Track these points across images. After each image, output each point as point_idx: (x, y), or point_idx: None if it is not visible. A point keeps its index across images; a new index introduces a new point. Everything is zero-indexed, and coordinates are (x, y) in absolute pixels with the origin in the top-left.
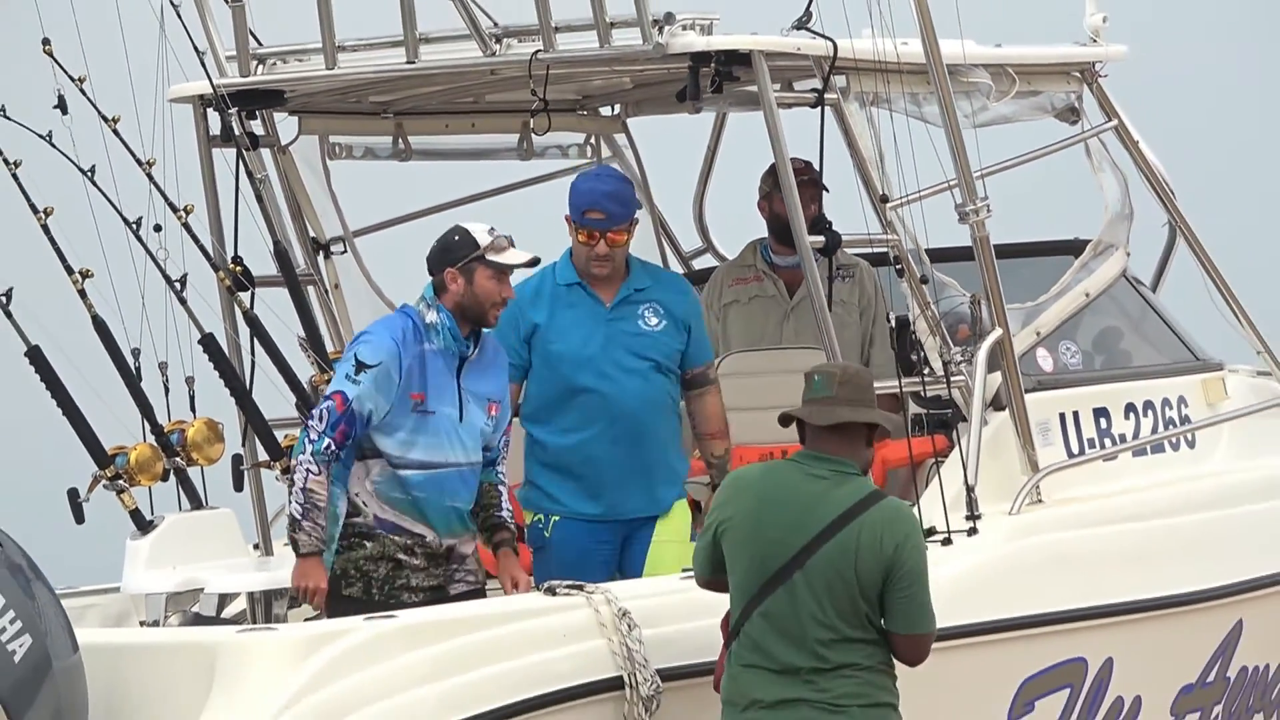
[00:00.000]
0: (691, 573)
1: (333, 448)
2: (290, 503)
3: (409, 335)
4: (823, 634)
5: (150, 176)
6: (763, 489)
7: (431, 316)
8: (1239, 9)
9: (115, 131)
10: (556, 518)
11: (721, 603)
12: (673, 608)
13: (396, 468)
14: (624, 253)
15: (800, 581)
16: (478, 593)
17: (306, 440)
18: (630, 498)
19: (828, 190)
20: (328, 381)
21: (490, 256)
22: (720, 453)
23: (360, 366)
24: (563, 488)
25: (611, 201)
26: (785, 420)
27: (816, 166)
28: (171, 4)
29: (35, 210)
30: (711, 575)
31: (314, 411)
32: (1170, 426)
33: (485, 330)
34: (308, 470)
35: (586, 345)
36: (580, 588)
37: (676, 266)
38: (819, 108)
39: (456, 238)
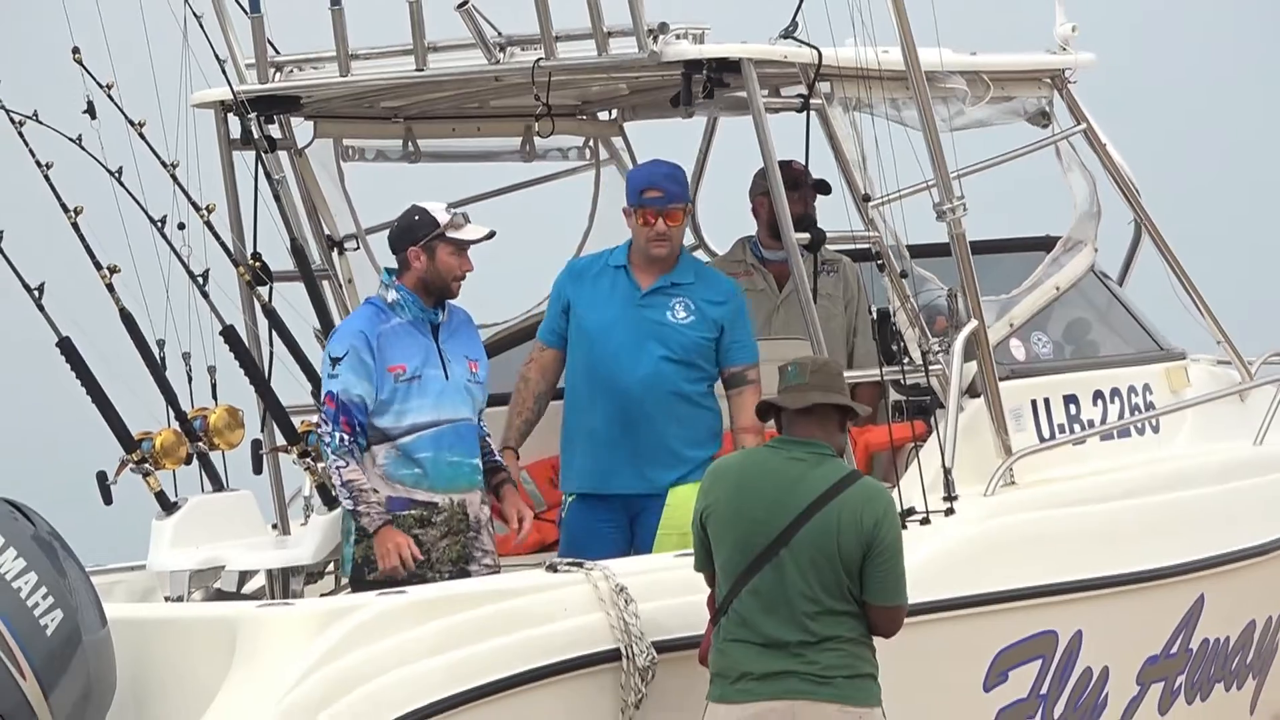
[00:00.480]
0: (687, 553)
1: (345, 439)
2: (343, 504)
3: (373, 319)
4: (809, 608)
5: (174, 177)
6: (742, 474)
7: (391, 295)
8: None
9: (141, 135)
10: (572, 497)
11: None
12: (668, 583)
13: (397, 440)
14: (680, 233)
15: (786, 558)
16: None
17: (324, 446)
18: (619, 474)
19: (828, 193)
20: None
21: (450, 234)
22: (749, 446)
23: (334, 361)
24: (571, 464)
25: (669, 181)
26: (763, 410)
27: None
28: (194, 15)
29: (66, 209)
30: (708, 565)
31: (317, 421)
32: (1136, 413)
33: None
34: (337, 468)
35: (610, 324)
36: (579, 564)
37: None
38: (805, 112)
39: (417, 217)
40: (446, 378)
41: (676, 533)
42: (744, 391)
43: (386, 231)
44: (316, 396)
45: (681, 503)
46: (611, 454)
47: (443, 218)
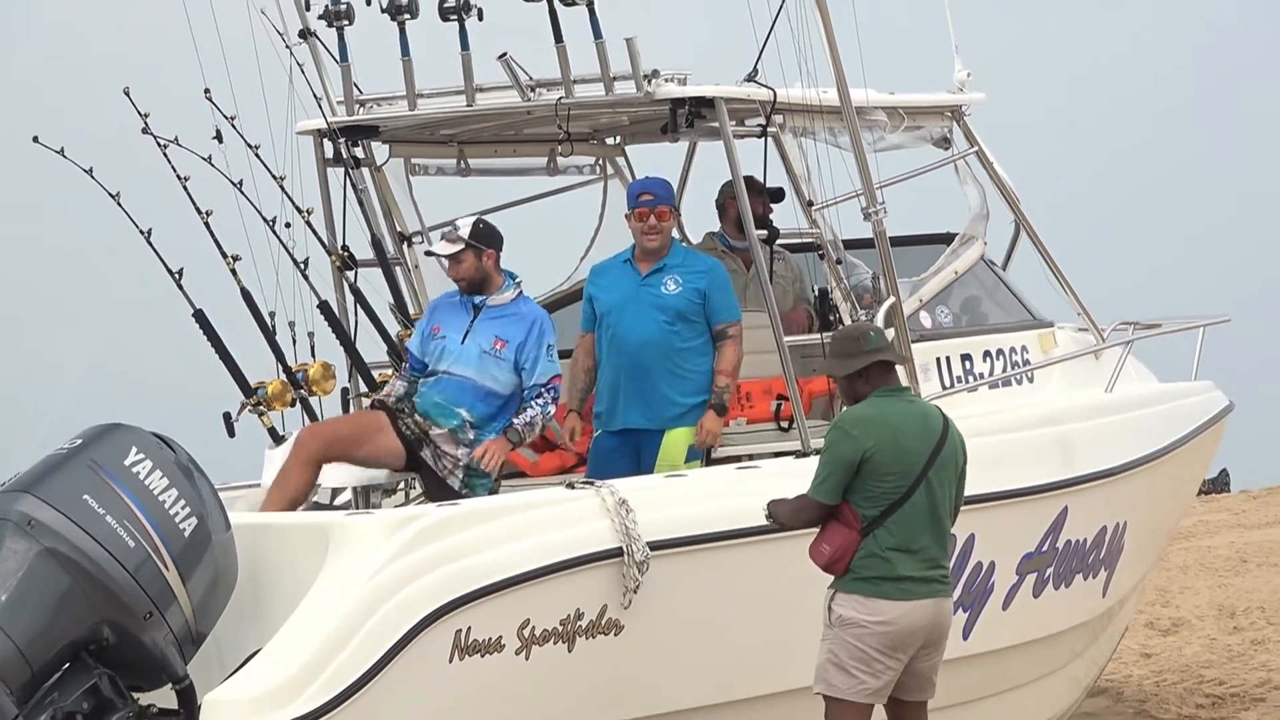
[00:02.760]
0: (676, 474)
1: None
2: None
3: (445, 297)
4: (947, 523)
5: (282, 188)
6: (891, 418)
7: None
8: (1073, 70)
9: (257, 155)
10: (598, 432)
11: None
12: (659, 499)
13: (426, 376)
14: (669, 228)
15: (933, 478)
16: (442, 483)
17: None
18: (629, 412)
19: (781, 200)
20: (410, 336)
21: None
22: (719, 385)
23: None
24: (598, 406)
25: (657, 188)
26: (867, 371)
27: (779, 187)
28: (298, 63)
29: (200, 212)
30: (839, 496)
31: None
32: (1016, 368)
33: (520, 297)
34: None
35: (620, 302)
36: (591, 483)
37: None
38: (763, 138)
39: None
40: (462, 343)
41: (669, 465)
42: (724, 344)
43: (443, 227)
44: (393, 355)
45: (673, 442)
46: (624, 397)
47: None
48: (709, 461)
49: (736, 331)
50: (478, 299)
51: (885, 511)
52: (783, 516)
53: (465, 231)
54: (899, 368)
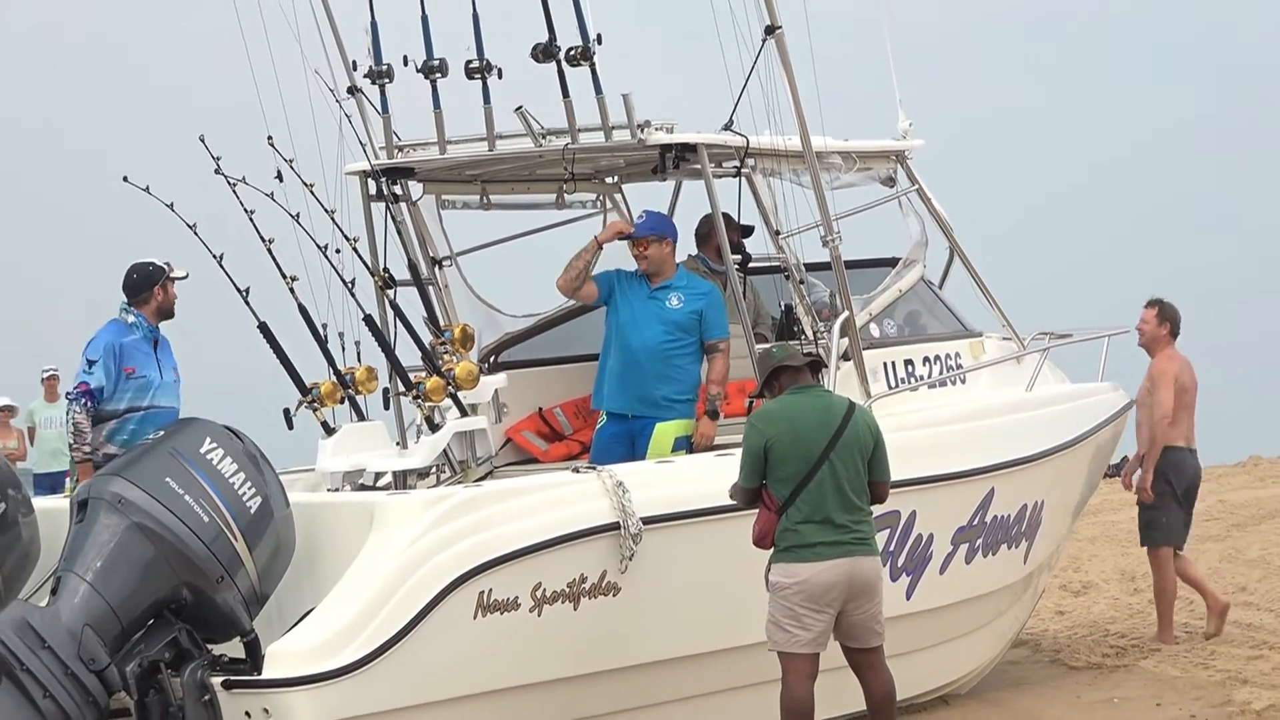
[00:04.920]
0: (665, 460)
1: (89, 405)
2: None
3: (117, 334)
4: (850, 493)
5: (333, 220)
6: (790, 412)
7: (130, 319)
8: (995, 120)
9: (312, 192)
10: (604, 420)
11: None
12: (651, 481)
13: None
14: (656, 253)
15: (835, 460)
16: None
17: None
18: (624, 401)
19: (751, 234)
20: (444, 343)
21: (173, 275)
22: (712, 394)
23: (90, 363)
24: (600, 392)
25: (644, 223)
26: (775, 374)
27: (735, 215)
28: (346, 115)
29: (263, 240)
30: (758, 480)
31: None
32: (950, 371)
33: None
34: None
35: (632, 309)
36: (593, 468)
37: None
38: (738, 177)
39: (150, 268)
40: (160, 378)
41: (658, 452)
42: (714, 356)
43: (468, 255)
44: (425, 361)
45: (662, 434)
46: (622, 386)
47: (167, 268)
48: (690, 451)
49: (725, 347)
50: (157, 332)
51: (794, 491)
52: (732, 498)
53: None
54: (848, 368)
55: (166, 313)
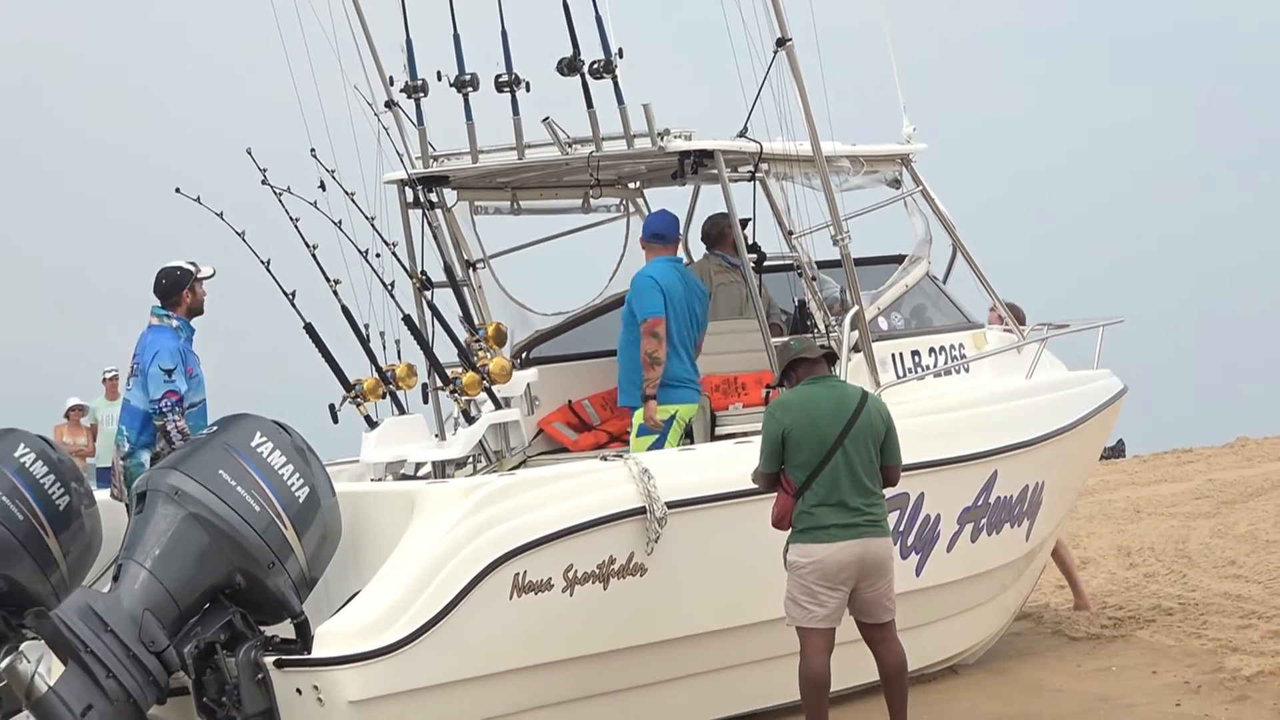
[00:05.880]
0: (688, 447)
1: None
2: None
3: (174, 339)
4: (864, 477)
5: (373, 226)
6: (804, 402)
7: (174, 323)
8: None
9: (353, 200)
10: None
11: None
12: (675, 467)
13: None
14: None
15: (849, 446)
16: None
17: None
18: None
19: (747, 224)
20: (478, 341)
21: (200, 275)
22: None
23: (168, 372)
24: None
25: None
26: (793, 366)
27: (749, 217)
28: (384, 127)
29: (308, 246)
30: (777, 466)
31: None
32: (954, 361)
33: None
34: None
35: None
36: (620, 456)
37: None
38: (753, 181)
39: (179, 272)
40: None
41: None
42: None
43: (500, 257)
44: (461, 357)
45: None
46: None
47: (193, 268)
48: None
49: (644, 328)
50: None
51: (810, 476)
52: (754, 482)
53: None
54: (858, 359)
55: (196, 311)
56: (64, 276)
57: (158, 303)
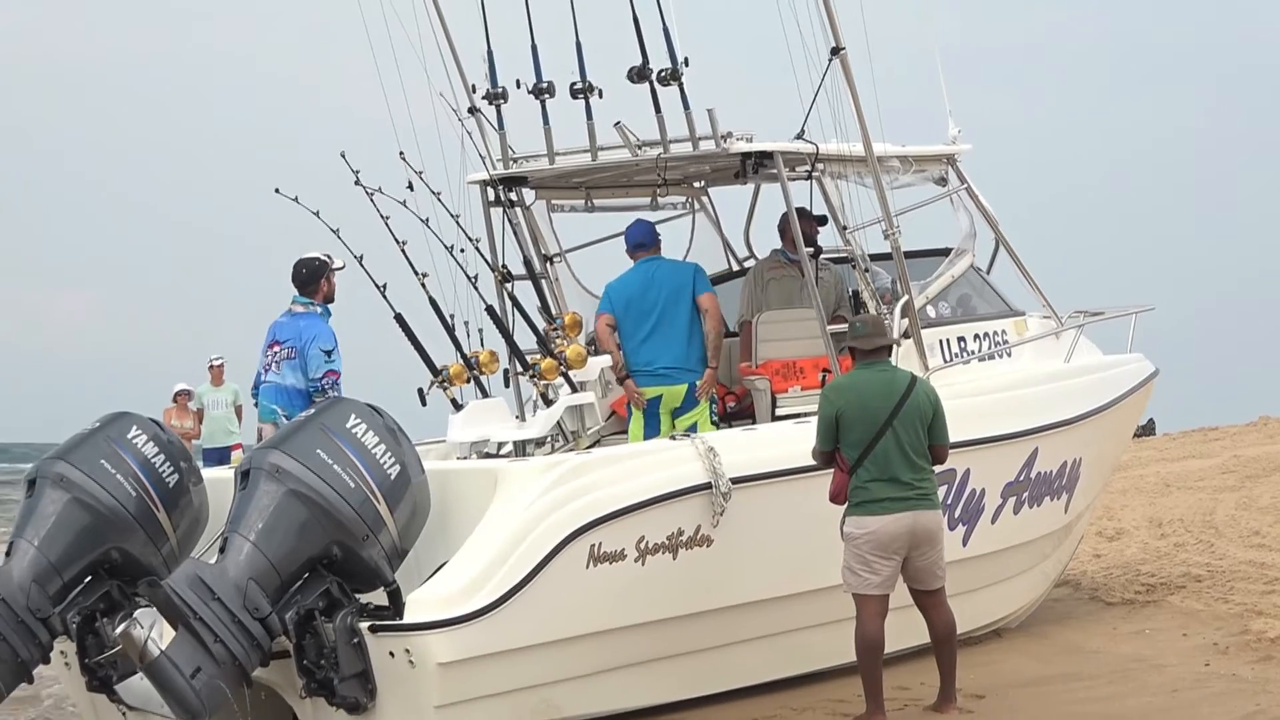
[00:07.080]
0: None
1: (338, 386)
2: None
3: (324, 323)
4: (913, 455)
5: (458, 223)
6: (857, 385)
7: (317, 309)
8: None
9: (439, 200)
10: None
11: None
12: (738, 445)
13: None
14: None
15: (898, 426)
16: None
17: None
18: None
19: (825, 224)
20: (556, 329)
21: (334, 266)
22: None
23: (327, 353)
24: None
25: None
26: (858, 349)
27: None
28: (467, 132)
29: (397, 242)
30: (833, 445)
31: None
32: (997, 346)
33: None
34: None
35: None
36: (688, 435)
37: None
38: (809, 180)
39: (317, 263)
40: None
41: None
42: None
43: (575, 251)
44: (540, 345)
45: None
46: None
47: (328, 259)
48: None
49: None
50: None
51: (863, 454)
52: (814, 459)
53: None
54: (908, 345)
55: (329, 299)
56: (180, 269)
57: (296, 292)
